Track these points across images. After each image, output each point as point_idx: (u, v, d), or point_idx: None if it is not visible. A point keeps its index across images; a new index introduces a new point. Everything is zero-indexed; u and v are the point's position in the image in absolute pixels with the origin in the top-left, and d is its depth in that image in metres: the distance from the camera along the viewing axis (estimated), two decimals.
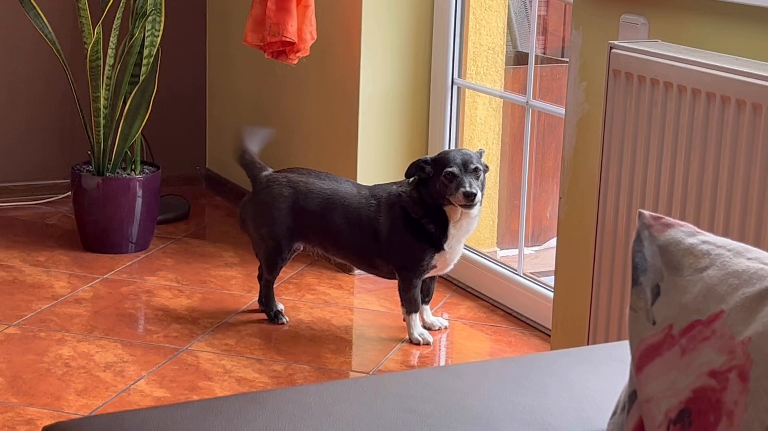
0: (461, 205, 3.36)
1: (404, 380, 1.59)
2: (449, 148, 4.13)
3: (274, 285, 3.74)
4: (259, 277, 3.76)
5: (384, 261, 3.54)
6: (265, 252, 3.65)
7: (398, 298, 3.58)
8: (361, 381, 1.58)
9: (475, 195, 3.32)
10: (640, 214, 1.37)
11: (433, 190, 3.40)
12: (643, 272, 1.33)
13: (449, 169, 3.35)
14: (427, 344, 3.55)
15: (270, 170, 3.66)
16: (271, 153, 3.73)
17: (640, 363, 1.29)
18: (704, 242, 1.33)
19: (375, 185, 3.62)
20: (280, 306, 3.74)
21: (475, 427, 1.43)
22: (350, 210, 3.53)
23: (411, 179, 3.47)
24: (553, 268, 3.37)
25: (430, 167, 3.40)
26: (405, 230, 3.47)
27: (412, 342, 3.55)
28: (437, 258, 3.49)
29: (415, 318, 3.56)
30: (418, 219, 3.45)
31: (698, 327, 1.25)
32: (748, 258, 1.29)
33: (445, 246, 3.46)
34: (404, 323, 3.59)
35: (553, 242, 3.82)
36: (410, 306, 3.54)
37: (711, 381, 1.20)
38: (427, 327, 3.63)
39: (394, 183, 3.58)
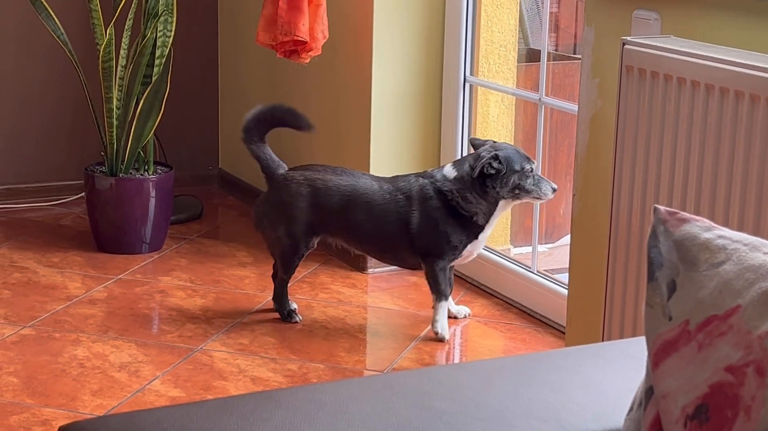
0: (538, 199, 3.52)
1: (419, 377, 1.59)
2: (462, 146, 4.14)
3: (287, 284, 3.74)
4: (274, 276, 3.76)
5: (411, 252, 3.56)
6: (281, 252, 3.65)
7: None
8: (377, 379, 1.58)
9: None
10: (656, 209, 1.37)
11: (505, 185, 3.46)
12: (658, 267, 1.32)
13: (530, 166, 3.49)
14: (442, 340, 3.56)
15: (285, 167, 3.66)
16: (283, 153, 3.73)
17: (656, 358, 1.29)
18: (720, 237, 1.32)
19: (394, 178, 3.64)
20: (294, 305, 3.73)
21: (491, 424, 1.43)
22: (374, 205, 3.55)
23: (456, 175, 3.51)
24: (566, 265, 3.37)
25: (500, 164, 3.46)
26: (445, 222, 3.51)
27: (433, 329, 3.57)
28: (469, 248, 3.55)
29: (444, 307, 3.59)
30: (468, 215, 3.50)
31: (715, 322, 1.24)
32: (765, 253, 1.29)
33: (480, 236, 3.54)
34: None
35: (566, 239, 3.81)
36: (438, 293, 3.58)
37: (728, 376, 1.20)
38: (453, 316, 3.66)
39: (413, 174, 3.61)
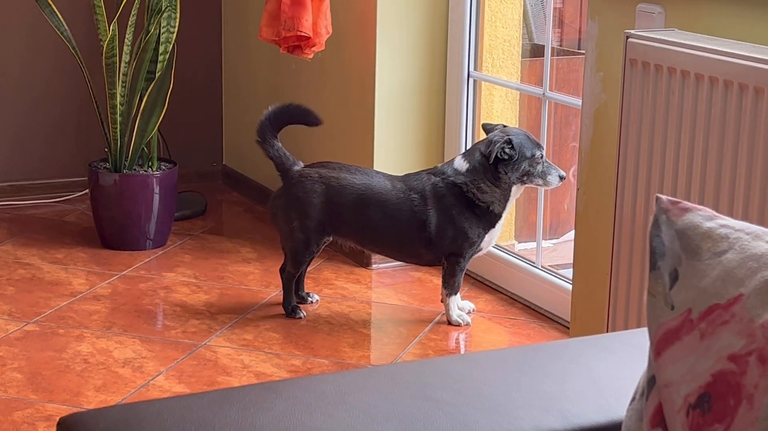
0: (544, 186, 3.55)
1: (421, 368, 1.59)
2: (466, 141, 4.13)
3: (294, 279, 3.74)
4: (281, 270, 3.74)
5: (429, 250, 3.58)
6: (293, 246, 3.65)
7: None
8: (378, 370, 1.57)
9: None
10: (658, 198, 1.36)
11: (515, 171, 3.50)
12: (661, 256, 1.32)
13: (540, 152, 3.51)
14: (467, 325, 3.63)
15: (300, 164, 3.66)
16: (288, 148, 3.72)
17: (658, 347, 1.28)
18: (722, 226, 1.32)
19: (406, 176, 3.65)
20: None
21: (493, 414, 1.42)
22: (389, 205, 3.56)
23: (468, 167, 3.53)
24: (571, 261, 3.36)
25: (512, 150, 3.48)
26: (462, 218, 3.54)
27: (451, 323, 3.64)
28: (486, 238, 3.59)
29: (455, 300, 3.64)
30: (485, 205, 3.53)
31: (717, 311, 1.24)
32: (767, 242, 1.28)
33: (497, 224, 3.58)
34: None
35: (571, 235, 3.81)
36: (452, 288, 3.62)
37: (730, 365, 1.19)
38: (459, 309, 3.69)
39: (424, 172, 3.62)
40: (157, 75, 4.22)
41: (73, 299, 3.79)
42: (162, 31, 4.22)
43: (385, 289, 4.00)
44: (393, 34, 4.10)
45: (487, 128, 3.61)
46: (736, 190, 2.55)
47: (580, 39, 4.66)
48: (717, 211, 2.53)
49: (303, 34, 3.99)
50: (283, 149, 3.66)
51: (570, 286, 3.42)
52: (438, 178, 3.57)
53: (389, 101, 4.13)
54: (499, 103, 4.19)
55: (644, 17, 2.97)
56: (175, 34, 4.25)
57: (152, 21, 4.19)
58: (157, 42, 4.22)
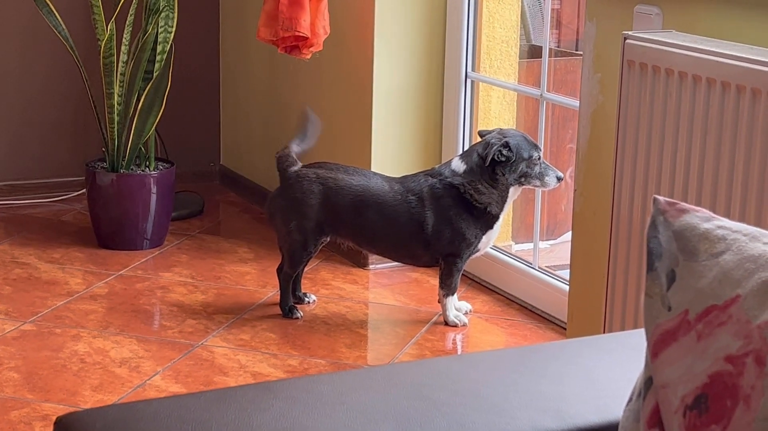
0: (542, 187, 3.55)
1: (418, 368, 1.59)
2: (463, 142, 4.14)
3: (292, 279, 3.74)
4: (279, 270, 3.74)
5: (426, 250, 3.58)
6: (290, 246, 3.65)
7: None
8: (375, 370, 1.57)
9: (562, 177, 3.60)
10: (655, 199, 1.36)
11: (513, 172, 3.51)
12: (658, 257, 1.32)
13: (537, 153, 3.52)
14: (464, 325, 3.63)
15: (299, 164, 3.67)
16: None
17: (655, 348, 1.28)
18: (720, 227, 1.32)
19: (404, 178, 3.65)
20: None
21: (490, 415, 1.42)
22: (386, 206, 3.57)
23: (465, 168, 3.54)
24: (568, 262, 3.36)
25: (509, 152, 3.49)
26: (459, 219, 3.54)
27: (448, 324, 3.64)
28: (484, 239, 3.60)
29: (452, 301, 3.64)
30: (482, 206, 3.53)
31: (714, 312, 1.24)
32: (764, 243, 1.28)
33: (495, 225, 3.59)
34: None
35: (568, 236, 3.81)
36: (449, 289, 3.62)
37: (727, 366, 1.19)
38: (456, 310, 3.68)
39: (422, 173, 3.62)
40: (155, 75, 4.22)
41: (70, 299, 3.79)
42: (160, 30, 4.21)
43: (382, 290, 4.00)
44: (391, 34, 4.10)
45: (483, 135, 3.61)
46: (733, 192, 2.55)
47: (577, 40, 4.67)
48: (714, 212, 2.54)
49: (301, 34, 3.99)
50: (291, 152, 3.67)
51: (567, 287, 3.42)
52: (435, 179, 3.57)
53: (387, 102, 4.13)
54: (496, 104, 4.19)
55: (642, 18, 2.97)
56: (173, 34, 4.24)
57: (150, 21, 4.19)
58: (155, 42, 4.22)
